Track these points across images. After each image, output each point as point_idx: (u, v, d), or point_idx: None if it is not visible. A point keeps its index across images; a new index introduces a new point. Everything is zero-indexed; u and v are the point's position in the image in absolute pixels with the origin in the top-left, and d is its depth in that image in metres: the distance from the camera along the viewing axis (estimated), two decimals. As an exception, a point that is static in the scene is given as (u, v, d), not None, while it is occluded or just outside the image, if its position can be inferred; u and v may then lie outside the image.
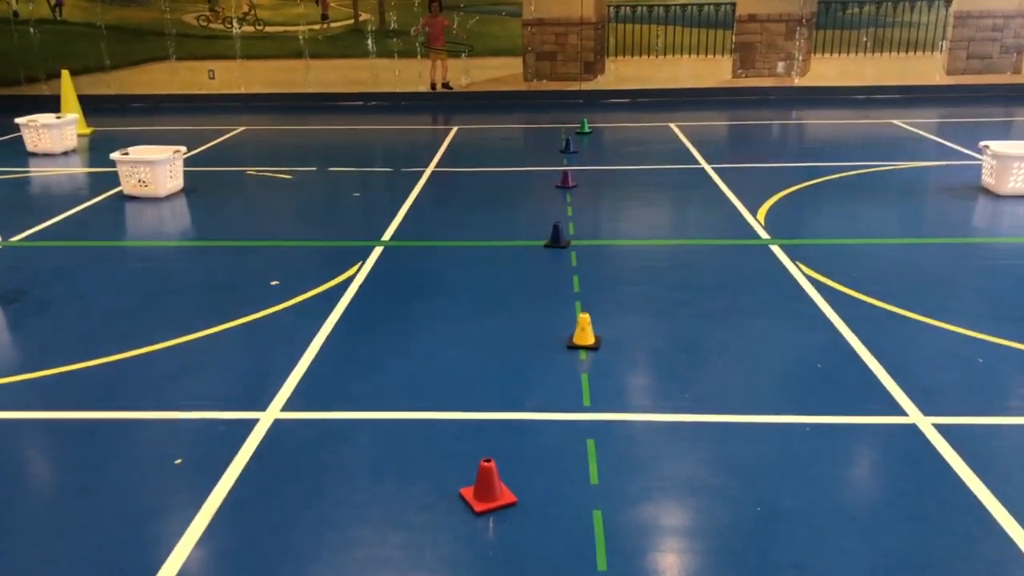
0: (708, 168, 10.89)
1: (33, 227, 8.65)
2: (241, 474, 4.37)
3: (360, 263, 7.43)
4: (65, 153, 12.28)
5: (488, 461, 3.97)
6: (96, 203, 9.64)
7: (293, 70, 16.98)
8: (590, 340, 5.66)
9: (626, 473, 4.30)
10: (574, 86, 16.96)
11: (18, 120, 12.16)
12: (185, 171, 10.36)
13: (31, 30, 16.78)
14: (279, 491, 4.23)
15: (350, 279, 7.05)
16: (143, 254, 7.95)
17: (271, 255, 7.80)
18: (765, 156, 11.99)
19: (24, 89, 16.95)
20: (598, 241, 8.01)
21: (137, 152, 9.92)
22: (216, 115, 15.78)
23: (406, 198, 9.60)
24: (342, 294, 6.71)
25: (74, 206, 9.45)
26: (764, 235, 8.07)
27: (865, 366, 5.38)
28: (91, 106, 15.41)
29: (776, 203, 9.18)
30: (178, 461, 4.48)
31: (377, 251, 7.76)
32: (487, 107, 16.37)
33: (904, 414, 4.83)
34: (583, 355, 5.58)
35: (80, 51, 16.81)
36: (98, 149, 12.63)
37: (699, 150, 12.00)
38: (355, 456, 4.52)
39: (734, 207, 9.05)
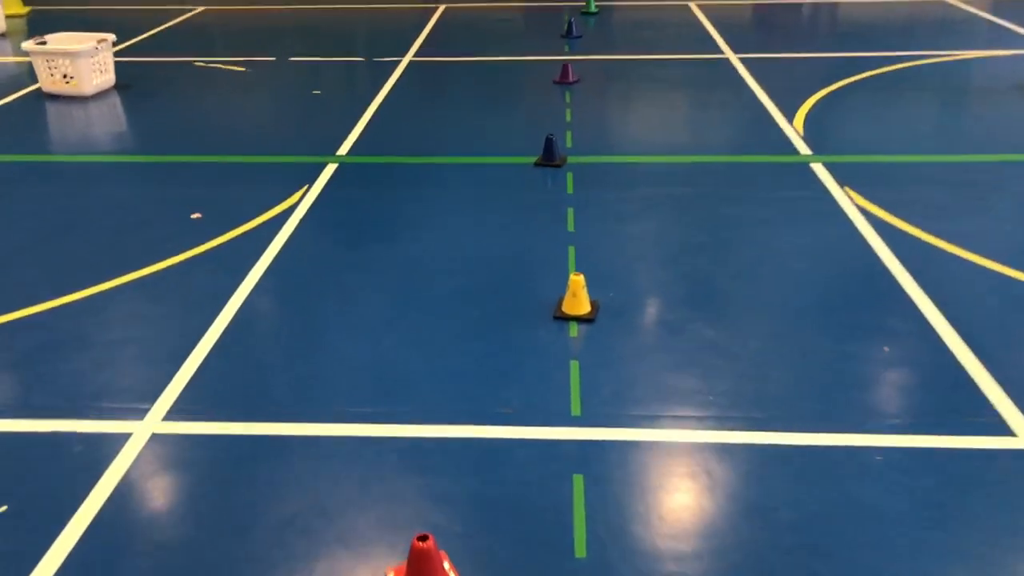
0: (734, 58, 9.25)
1: (-78, 136, 7.22)
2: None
3: (306, 187, 6.02)
4: (-9, 38, 10.66)
5: (424, 540, 2.71)
6: (8, 103, 8.14)
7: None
8: (584, 308, 4.33)
9: (629, 537, 3.04)
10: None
11: (-68, 0, 10.51)
12: (124, 62, 8.82)
13: None
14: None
15: (289, 210, 5.67)
16: (45, 172, 6.54)
17: (201, 175, 6.38)
18: (799, 44, 10.28)
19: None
20: (601, 158, 6.55)
21: (57, 41, 8.36)
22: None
23: (374, 97, 8.06)
24: (275, 233, 5.34)
25: (-19, 108, 7.98)
26: (804, 149, 6.59)
27: (962, 369, 4.05)
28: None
29: (816, 105, 7.64)
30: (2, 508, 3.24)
31: (329, 170, 6.34)
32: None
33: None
34: (574, 329, 4.25)
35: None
36: (31, 31, 10.97)
37: (723, 36, 10.30)
38: (252, 501, 3.27)
39: (766, 111, 7.51)
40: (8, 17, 11.40)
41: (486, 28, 11.29)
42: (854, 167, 6.23)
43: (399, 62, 9.31)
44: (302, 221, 5.51)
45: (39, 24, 11.50)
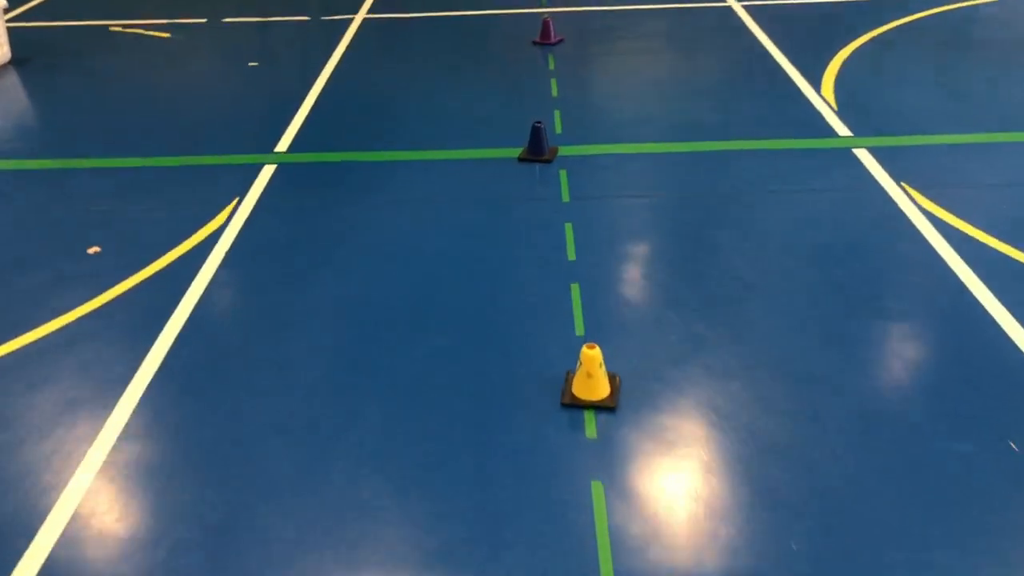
0: (737, 6, 8.02)
1: None
2: None
3: (236, 200, 4.82)
4: None
5: None
6: None
7: None
8: (603, 393, 3.23)
9: None
10: None
11: None
12: (23, 28, 7.42)
13: None
14: None
15: (216, 234, 4.48)
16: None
17: (105, 186, 5.14)
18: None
19: None
20: (598, 148, 5.38)
21: (-64, 8, 6.96)
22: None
23: (321, 70, 6.78)
24: (195, 272, 4.16)
25: None
26: (843, 129, 5.46)
27: (1092, 440, 3.02)
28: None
29: (845, 66, 6.48)
30: None
31: (266, 174, 5.13)
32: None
33: None
34: (591, 425, 3.16)
35: None
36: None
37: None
38: None
39: (788, 77, 6.35)
40: None
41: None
42: (908, 153, 5.12)
43: (351, 20, 7.99)
44: (229, 253, 4.31)
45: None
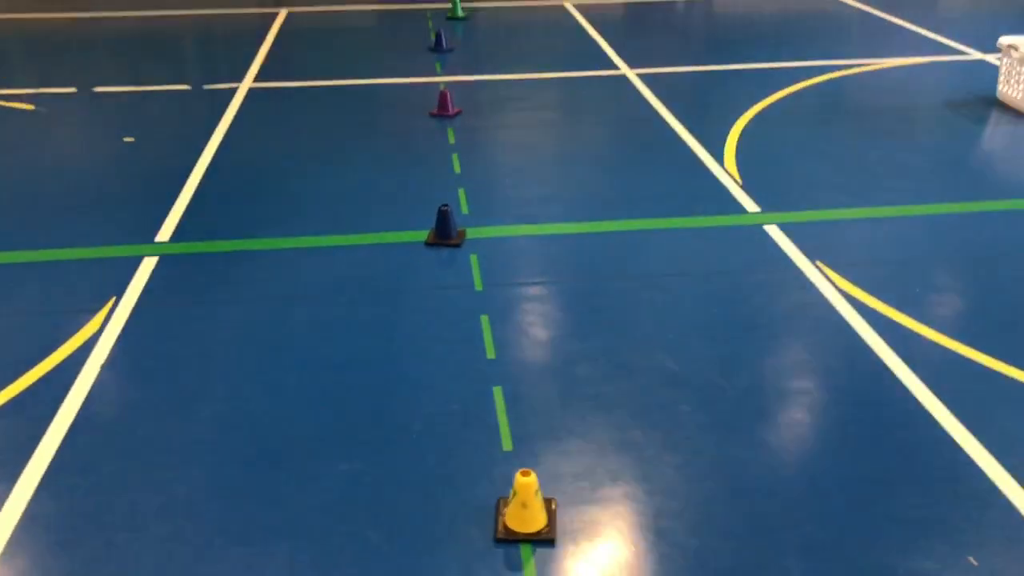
0: (631, 75, 8.03)
1: None
2: None
3: (112, 301, 4.33)
4: None
5: None
6: None
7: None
8: (540, 524, 2.93)
9: None
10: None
11: None
12: None
13: None
14: None
15: (87, 344, 3.98)
16: None
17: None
18: (694, 53, 9.19)
19: None
20: (508, 229, 5.14)
21: None
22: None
23: (204, 146, 6.34)
24: (64, 393, 3.65)
25: None
26: (750, 204, 5.42)
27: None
28: None
29: (744, 136, 6.51)
30: None
31: (145, 269, 4.65)
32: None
33: None
34: (529, 563, 2.85)
35: None
36: None
37: (610, 43, 9.07)
38: None
39: (688, 148, 6.31)
40: None
41: (338, 39, 9.63)
42: (816, 229, 5.10)
43: (236, 89, 7.58)
44: (103, 368, 3.83)
45: None
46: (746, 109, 7.05)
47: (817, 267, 4.64)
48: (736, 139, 6.45)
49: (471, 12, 10.34)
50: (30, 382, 3.73)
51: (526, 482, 2.87)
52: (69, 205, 5.53)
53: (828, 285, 4.46)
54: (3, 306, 4.34)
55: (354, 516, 3.02)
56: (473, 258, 4.76)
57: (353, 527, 2.97)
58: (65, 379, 3.74)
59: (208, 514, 3.04)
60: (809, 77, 7.87)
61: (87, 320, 4.16)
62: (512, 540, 2.89)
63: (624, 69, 8.22)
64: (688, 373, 3.79)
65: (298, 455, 3.32)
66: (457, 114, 6.96)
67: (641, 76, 7.98)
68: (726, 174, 5.85)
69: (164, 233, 5.06)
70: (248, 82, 7.82)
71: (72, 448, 3.35)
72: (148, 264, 4.70)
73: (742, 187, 5.64)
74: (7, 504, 3.07)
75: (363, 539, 2.92)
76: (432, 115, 6.95)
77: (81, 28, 10.15)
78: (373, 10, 11.03)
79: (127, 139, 6.55)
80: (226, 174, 5.91)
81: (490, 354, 3.92)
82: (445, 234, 4.90)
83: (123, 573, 2.80)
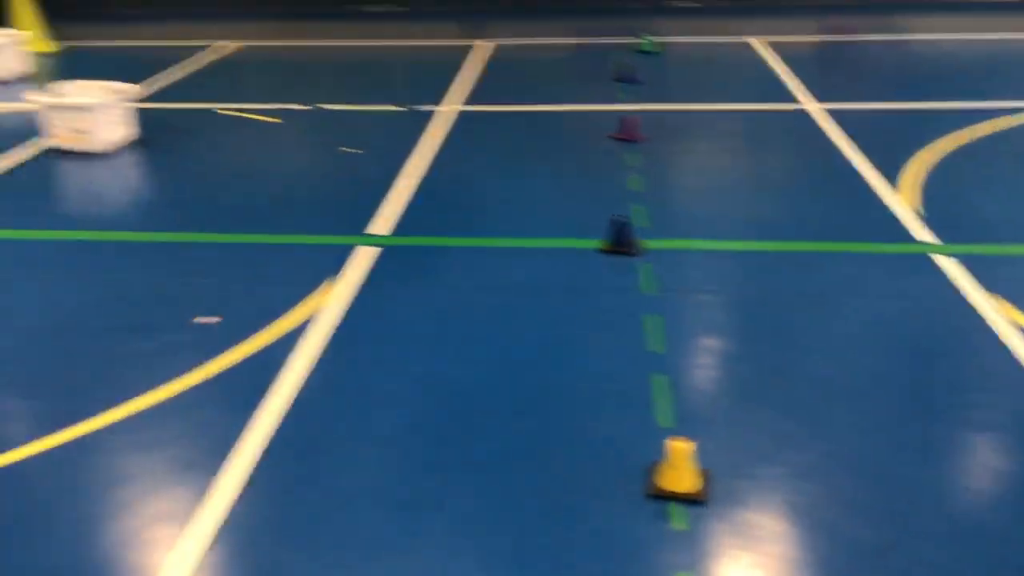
0: (813, 108, 8.22)
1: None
2: None
3: (332, 279, 5.11)
4: (9, 81, 9.96)
5: None
6: (15, 163, 7.36)
7: (301, -32, 14.30)
8: (691, 486, 3.34)
9: None
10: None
11: (-49, 39, 9.84)
12: (149, 108, 8.02)
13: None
14: None
15: (312, 312, 4.75)
16: (33, 252, 5.68)
17: (210, 260, 5.50)
18: (884, 91, 9.23)
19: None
20: (682, 243, 5.56)
21: (72, 90, 7.59)
22: (210, 24, 13.22)
23: (411, 157, 7.16)
24: (295, 346, 4.43)
25: (-16, 166, 7.21)
26: (926, 235, 5.54)
27: None
28: (67, 11, 12.92)
29: (927, 170, 6.59)
30: None
31: (360, 256, 5.43)
32: (526, 13, 13.56)
33: None
34: (678, 517, 3.27)
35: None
36: (59, 73, 10.28)
37: (795, 80, 9.27)
38: None
39: (865, 180, 6.48)
40: (35, 55, 10.71)
41: (537, 69, 10.39)
42: (997, 263, 5.16)
43: (436, 112, 8.42)
44: (325, 331, 4.59)
45: (68, 64, 10.80)
46: (931, 144, 7.10)
47: (993, 300, 4.74)
48: (918, 173, 6.54)
49: (658, 47, 10.81)
50: (272, 333, 4.53)
51: (680, 447, 3.29)
52: (300, 199, 6.47)
53: (1002, 319, 4.56)
54: (249, 276, 5.23)
55: (526, 465, 3.54)
56: (647, 266, 5.21)
57: (525, 474, 3.49)
58: (292, 341, 4.50)
59: (412, 450, 3.66)
60: (1003, 116, 7.77)
61: (311, 293, 4.96)
62: (662, 497, 3.32)
63: (806, 103, 8.42)
64: (843, 381, 4.06)
65: (482, 414, 3.89)
66: (639, 139, 7.44)
67: (823, 111, 8.16)
68: (904, 205, 5.99)
69: (376, 227, 5.85)
70: (456, 105, 8.66)
71: (304, 386, 4.08)
72: (362, 252, 5.48)
73: (921, 219, 5.77)
74: (253, 425, 3.82)
75: (532, 482, 3.43)
76: (615, 139, 7.47)
77: (313, 54, 11.48)
78: (569, 43, 11.78)
79: (350, 149, 7.50)
80: (431, 182, 6.67)
81: (656, 348, 4.35)
82: (621, 243, 5.38)
83: (337, 484, 3.46)
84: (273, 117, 8.44)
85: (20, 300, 5.02)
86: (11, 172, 7.12)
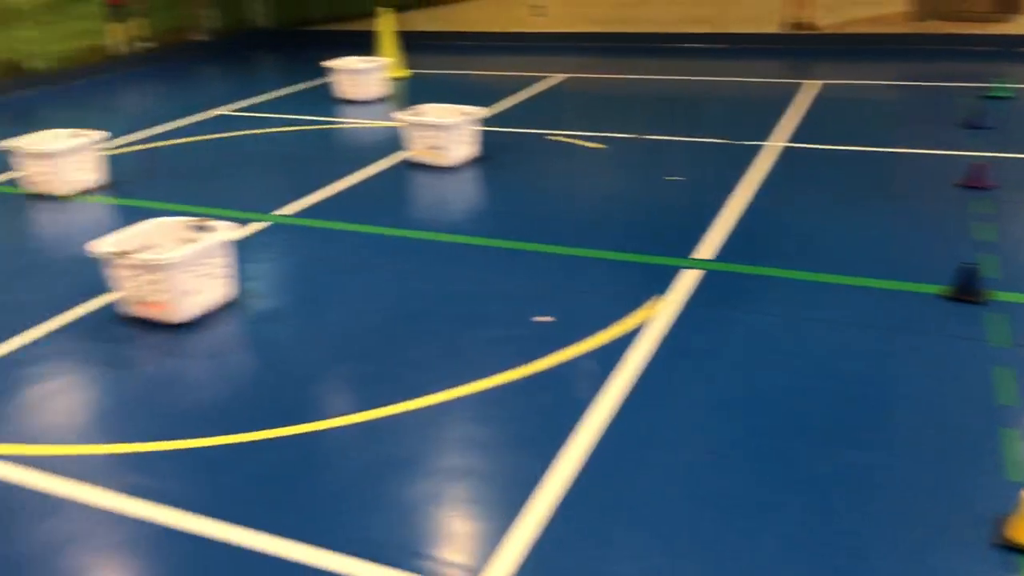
0: None
1: (296, 200, 7.56)
2: None
3: (657, 297, 5.32)
4: (372, 101, 11.36)
5: None
6: (377, 168, 8.41)
7: (629, 5, 14.92)
8: (1043, 542, 3.13)
9: None
10: (984, 29, 13.08)
11: (329, 63, 11.42)
12: (487, 131, 8.82)
13: (369, -37, 16.27)
14: None
15: (639, 325, 4.99)
16: (392, 247, 6.44)
17: (545, 267, 5.93)
18: None
19: (355, 24, 16.61)
20: (1035, 296, 5.15)
21: (428, 112, 8.54)
22: (541, 57, 14.22)
23: (735, 190, 7.23)
24: (623, 352, 4.68)
25: (352, 170, 8.30)
26: None
27: None
28: (418, 44, 14.55)
29: None
30: None
31: (683, 278, 5.59)
32: (857, 54, 13.11)
33: None
34: (1026, 572, 3.07)
35: (413, -15, 16.04)
36: (408, 97, 11.60)
37: None
38: None
39: None
40: (390, 79, 12.12)
41: (868, 110, 10.02)
42: None
43: (761, 146, 8.41)
44: (651, 342, 4.79)
45: (417, 88, 12.15)
46: None
47: None
48: None
49: (1010, 92, 9.99)
50: (602, 339, 4.83)
51: (1036, 499, 3.09)
52: (624, 220, 6.78)
53: None
54: (580, 285, 5.59)
55: (858, 494, 3.49)
56: (996, 317, 4.88)
57: (857, 502, 3.44)
58: (621, 347, 4.75)
59: (736, 460, 3.75)
60: None
61: (637, 307, 5.19)
62: (1012, 548, 3.12)
63: None
64: None
65: (811, 437, 3.88)
66: (989, 186, 6.95)
67: None
68: None
69: (701, 252, 5.99)
70: (772, 140, 8.62)
71: (637, 389, 4.32)
72: (686, 274, 5.64)
73: None
74: (590, 412, 4.11)
75: (864, 511, 3.38)
76: (961, 186, 7.03)
77: (636, 87, 11.92)
78: (903, 86, 11.22)
79: (672, 177, 7.72)
80: (755, 213, 6.71)
81: (1007, 401, 4.08)
82: (968, 291, 5.09)
83: (676, 477, 3.63)
84: (598, 144, 8.90)
85: (379, 285, 5.75)
86: (374, 178, 8.12)
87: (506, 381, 4.48)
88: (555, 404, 4.26)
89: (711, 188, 7.35)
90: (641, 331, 4.91)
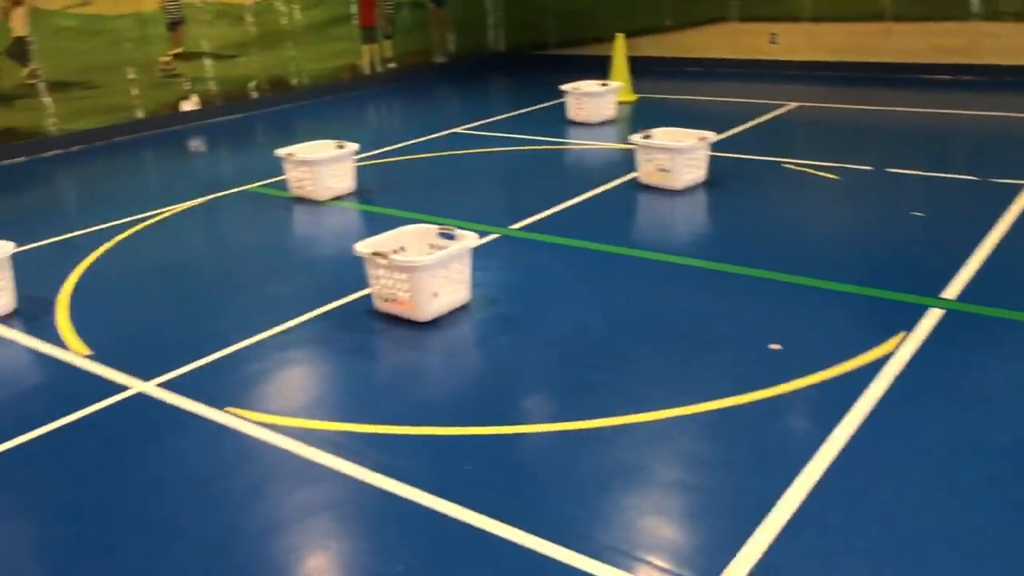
0: None
1: (523, 215, 7.88)
2: None
3: (902, 335, 5.10)
4: (602, 124, 11.61)
5: None
6: (607, 188, 8.61)
7: (869, 34, 14.31)
8: None
9: None
10: None
11: (563, 87, 11.80)
12: (715, 156, 8.82)
13: (604, -10, 16.65)
14: None
15: (879, 361, 4.81)
16: (618, 264, 6.57)
17: (776, 295, 5.85)
18: None
19: (589, 49, 17.00)
20: None
21: (660, 135, 8.65)
22: (772, 85, 13.95)
23: (989, 228, 6.78)
24: (860, 389, 4.54)
25: (580, 190, 8.54)
26: None
27: None
28: (645, 69, 14.73)
29: None
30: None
31: (931, 317, 5.33)
32: None
33: None
34: None
35: (645, 10, 16.23)
36: (636, 120, 11.77)
37: None
38: None
39: None
40: (618, 104, 12.35)
41: None
42: None
43: (1019, 185, 7.82)
44: (892, 381, 4.62)
45: (643, 112, 12.30)
46: None
47: None
48: None
49: None
50: (836, 372, 4.71)
51: None
52: (861, 253, 6.54)
53: None
54: (814, 316, 5.46)
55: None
56: None
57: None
58: (853, 383, 4.61)
59: (977, 513, 3.56)
60: None
61: (873, 344, 5.01)
62: None
63: None
64: None
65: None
66: None
67: None
68: None
69: (945, 291, 5.68)
70: (1036, 180, 7.99)
71: (871, 423, 4.19)
72: (928, 313, 5.37)
73: None
74: (827, 442, 4.04)
75: None
76: None
77: (873, 118, 11.43)
78: None
79: (916, 213, 7.36)
80: (1007, 254, 6.27)
81: None
82: None
83: (897, 527, 3.51)
84: (831, 174, 8.63)
85: (605, 299, 5.90)
86: (601, 198, 8.32)
87: (735, 404, 4.48)
88: (785, 431, 4.22)
89: (957, 225, 6.95)
90: (877, 367, 4.75)
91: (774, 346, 5.06)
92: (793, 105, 12.25)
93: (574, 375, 4.92)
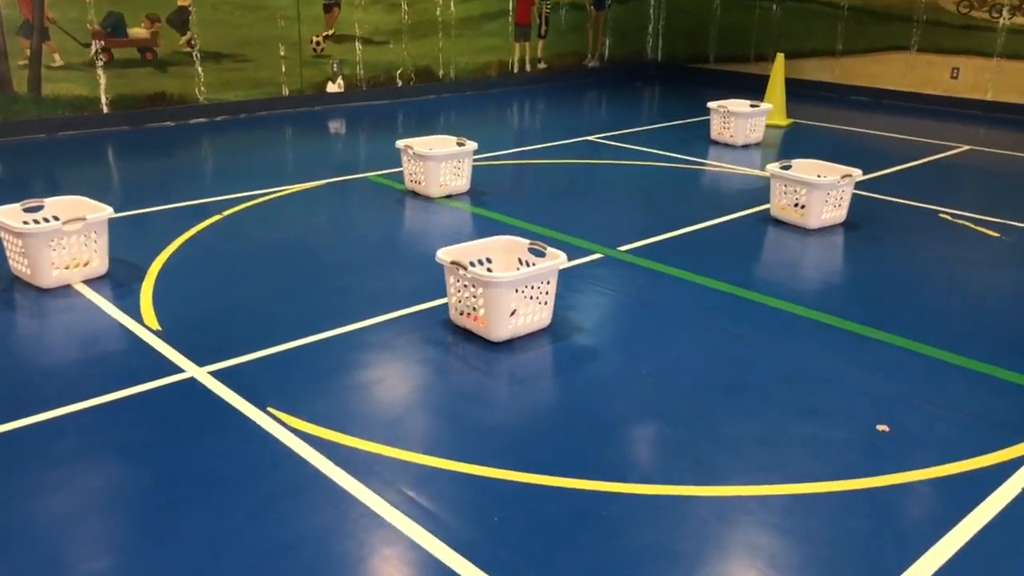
0: None
1: (636, 236, 7.32)
2: None
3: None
4: (745, 147, 10.85)
5: None
6: (736, 218, 7.94)
7: (1071, 77, 12.83)
8: None
9: None
10: None
11: (710, 104, 11.11)
12: (862, 196, 7.98)
13: (773, 7, 15.73)
14: None
15: (1011, 464, 4.03)
16: (727, 305, 5.92)
17: (895, 367, 5.07)
18: None
19: (749, 67, 16.12)
20: None
21: (798, 166, 7.90)
22: (945, 123, 12.71)
23: None
24: (979, 497, 3.79)
25: (704, 216, 7.90)
26: None
27: None
28: (804, 93, 13.80)
29: None
30: None
31: (1085, 419, 4.46)
32: None
33: None
34: None
35: (816, 31, 15.20)
36: (784, 147, 10.95)
37: None
38: None
39: None
40: (768, 127, 11.54)
41: None
42: None
43: None
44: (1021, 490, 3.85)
45: (793, 138, 11.45)
46: None
47: None
48: None
49: None
50: (940, 473, 3.97)
51: None
52: (1014, 329, 5.63)
53: None
54: (943, 398, 4.69)
55: None
56: None
57: None
58: (975, 483, 3.87)
59: None
60: None
61: (1009, 440, 4.22)
62: None
63: None
64: None
65: None
66: None
67: None
68: None
69: (1113, 391, 4.77)
70: None
71: (967, 550, 3.47)
72: (1087, 414, 4.50)
73: None
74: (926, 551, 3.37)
75: None
76: None
77: (1059, 172, 10.14)
78: None
79: (1089, 288, 6.34)
80: None
81: None
82: None
83: None
84: (994, 231, 7.63)
85: (703, 344, 5.29)
86: (725, 227, 7.66)
87: (816, 491, 3.84)
88: (877, 531, 3.55)
89: None
90: (1009, 470, 3.97)
91: (882, 427, 4.35)
92: (965, 148, 11.07)
93: (644, 426, 4.39)
